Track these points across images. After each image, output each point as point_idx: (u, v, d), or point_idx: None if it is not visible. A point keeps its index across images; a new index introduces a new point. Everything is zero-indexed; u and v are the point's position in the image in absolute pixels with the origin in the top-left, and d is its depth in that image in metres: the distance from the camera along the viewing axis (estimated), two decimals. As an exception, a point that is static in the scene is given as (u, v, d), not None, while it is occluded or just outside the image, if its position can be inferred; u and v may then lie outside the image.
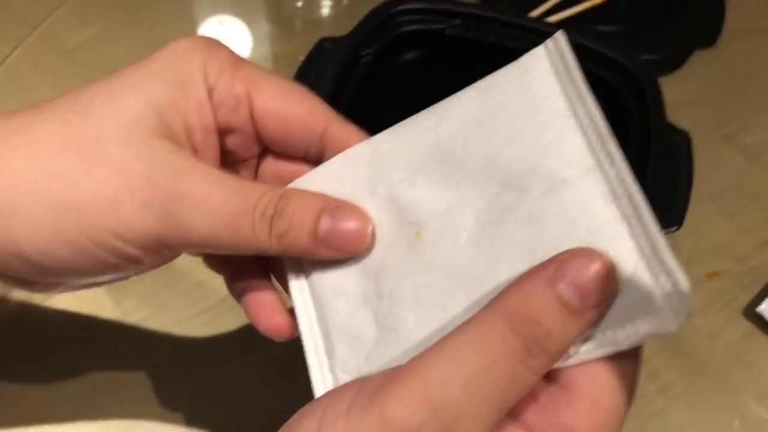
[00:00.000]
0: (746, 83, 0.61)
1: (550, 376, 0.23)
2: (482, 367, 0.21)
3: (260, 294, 0.30)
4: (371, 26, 0.44)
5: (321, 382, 0.27)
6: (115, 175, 0.25)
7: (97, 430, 0.43)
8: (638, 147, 0.43)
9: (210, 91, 0.28)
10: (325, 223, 0.26)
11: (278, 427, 0.23)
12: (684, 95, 0.59)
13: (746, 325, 0.48)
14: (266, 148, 0.31)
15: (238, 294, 0.31)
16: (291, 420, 0.23)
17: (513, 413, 0.23)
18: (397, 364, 0.23)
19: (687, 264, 0.53)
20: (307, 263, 0.29)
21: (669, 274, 0.22)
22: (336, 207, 0.27)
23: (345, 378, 0.26)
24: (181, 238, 0.25)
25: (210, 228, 0.25)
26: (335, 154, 0.29)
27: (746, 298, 0.50)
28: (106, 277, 0.28)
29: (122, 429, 0.43)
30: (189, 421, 0.43)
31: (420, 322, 0.26)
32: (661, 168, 0.40)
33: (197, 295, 0.48)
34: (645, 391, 0.45)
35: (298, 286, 0.29)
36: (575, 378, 0.23)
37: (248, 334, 0.46)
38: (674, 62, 0.60)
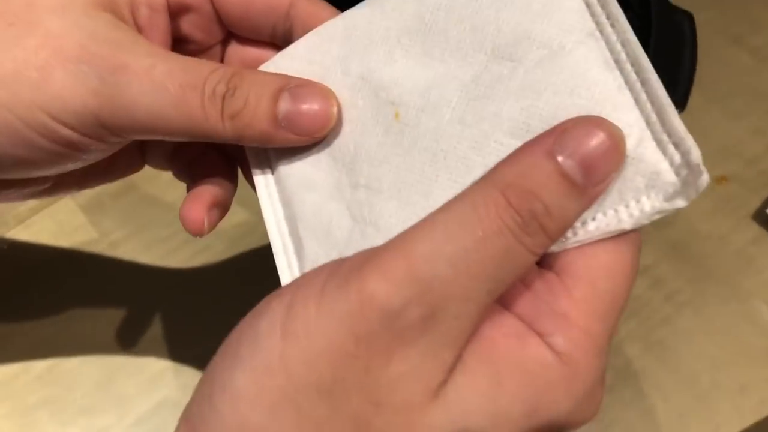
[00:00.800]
0: (755, -17, 0.58)
1: (545, 264, 0.21)
2: (474, 243, 0.18)
3: (206, 187, 0.27)
4: None
5: None
6: (46, 42, 0.22)
7: (76, 350, 0.41)
8: (638, 30, 0.40)
9: None
10: (284, 104, 0.23)
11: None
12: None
13: (756, 229, 0.46)
14: (230, 33, 0.28)
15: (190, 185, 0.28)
16: (257, 307, 0.20)
17: (504, 302, 0.20)
18: None
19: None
20: (273, 155, 0.26)
21: (678, 143, 0.21)
22: (296, 85, 0.24)
23: None
24: (121, 117, 0.22)
25: (153, 103, 0.22)
26: (304, 33, 0.26)
27: (756, 202, 0.47)
28: (50, 170, 0.25)
29: (101, 350, 0.41)
30: (172, 340, 0.42)
31: (400, 212, 0.23)
32: (662, 48, 0.38)
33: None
34: (650, 298, 0.43)
35: (263, 181, 0.26)
36: (572, 263, 0.21)
37: (230, 252, 0.44)
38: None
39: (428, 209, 0.20)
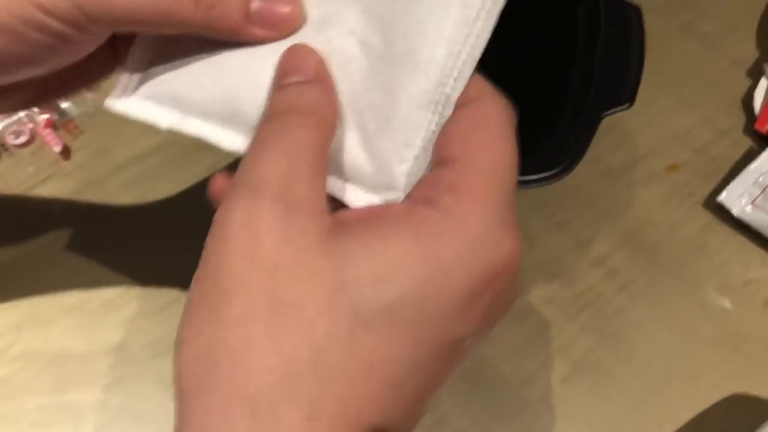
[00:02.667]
0: (703, -31, 0.58)
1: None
2: None
3: None
4: None
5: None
6: None
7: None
8: (588, 26, 0.40)
9: None
10: (257, 1, 0.25)
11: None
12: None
13: (707, 216, 0.47)
14: None
15: None
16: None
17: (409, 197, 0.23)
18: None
19: (645, 158, 0.51)
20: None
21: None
22: None
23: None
24: (102, 5, 0.24)
25: None
26: None
27: (707, 189, 0.48)
28: (45, 66, 0.27)
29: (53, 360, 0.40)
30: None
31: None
32: (611, 44, 0.38)
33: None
34: (604, 289, 0.44)
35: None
36: (450, 151, 0.23)
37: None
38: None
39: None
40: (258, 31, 0.25)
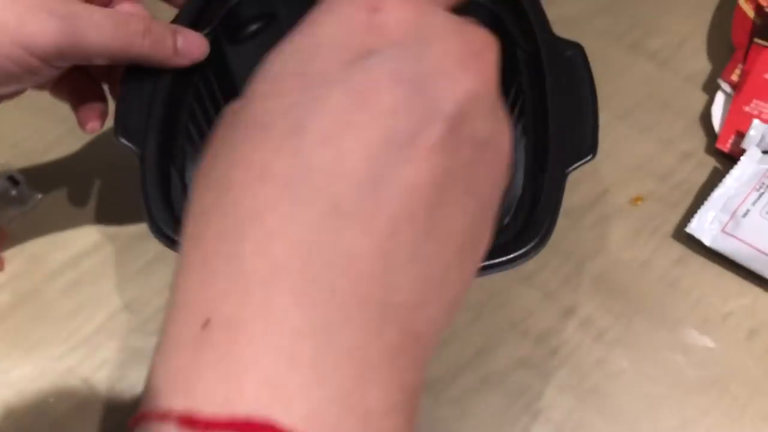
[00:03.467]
0: (645, -18, 0.56)
1: None
2: None
3: (91, 104, 0.38)
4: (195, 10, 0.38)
5: None
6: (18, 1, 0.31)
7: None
8: (529, 71, 0.38)
9: None
10: (180, 40, 0.35)
11: None
12: (580, 8, 0.54)
13: (678, 249, 0.45)
14: None
15: (76, 108, 0.38)
16: None
17: None
18: None
19: (608, 192, 0.48)
20: None
21: None
22: (182, 29, 0.36)
23: None
24: (77, 48, 0.32)
25: (99, 35, 0.32)
26: None
27: (675, 219, 0.46)
28: (7, 89, 0.34)
29: None
30: None
31: None
32: (560, 94, 0.35)
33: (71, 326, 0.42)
34: (580, 342, 0.41)
35: None
36: None
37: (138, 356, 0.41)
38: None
39: None
40: (181, 61, 0.35)
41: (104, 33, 0.32)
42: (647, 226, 0.45)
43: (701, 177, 0.47)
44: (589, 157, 0.35)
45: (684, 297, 0.43)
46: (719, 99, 0.49)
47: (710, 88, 0.50)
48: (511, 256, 0.32)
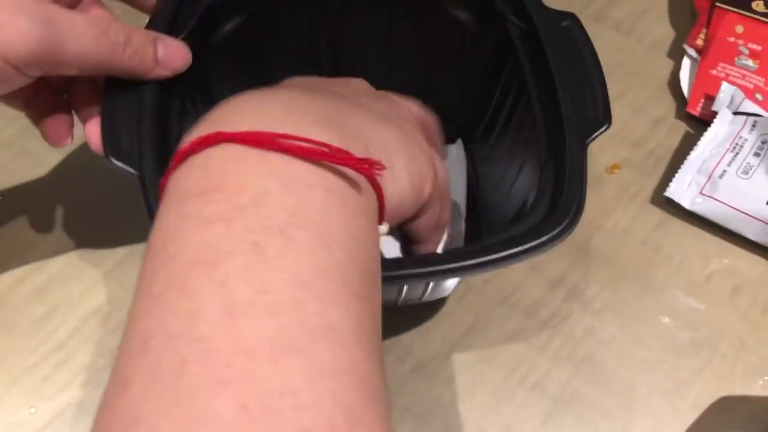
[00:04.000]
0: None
1: None
2: None
3: (57, 116, 0.35)
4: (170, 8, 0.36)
5: None
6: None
7: None
8: (525, 47, 0.36)
9: None
10: (161, 49, 0.33)
11: None
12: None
13: (658, 213, 0.45)
14: None
15: (37, 120, 0.35)
16: None
17: None
18: None
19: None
20: None
21: None
22: (163, 38, 0.33)
23: None
24: (56, 56, 0.29)
25: (79, 46, 0.29)
26: None
27: (652, 185, 0.46)
28: None
29: None
30: None
31: None
32: (564, 66, 0.34)
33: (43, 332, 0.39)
34: (569, 311, 0.41)
35: None
36: None
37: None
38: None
39: None
40: (163, 71, 0.33)
41: (85, 43, 0.29)
42: (626, 193, 0.46)
43: (674, 142, 0.47)
44: (605, 127, 0.33)
45: (667, 261, 0.43)
46: (686, 64, 0.50)
47: (676, 54, 0.51)
48: (550, 234, 0.30)
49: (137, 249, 0.42)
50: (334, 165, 0.22)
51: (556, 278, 0.42)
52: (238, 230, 0.19)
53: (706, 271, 0.43)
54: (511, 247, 0.30)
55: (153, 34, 0.33)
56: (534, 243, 0.30)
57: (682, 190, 0.44)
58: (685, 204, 0.44)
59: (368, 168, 0.23)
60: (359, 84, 0.33)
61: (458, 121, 0.44)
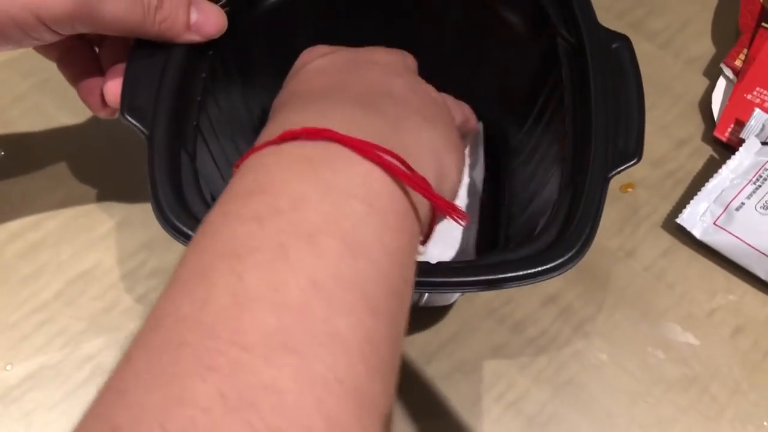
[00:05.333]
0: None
1: None
2: None
3: (92, 80, 0.35)
4: None
5: None
6: None
7: None
8: (570, 63, 0.34)
9: None
10: (194, 15, 0.33)
11: None
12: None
13: (667, 239, 0.43)
14: None
15: (74, 81, 0.36)
16: None
17: None
18: None
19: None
20: None
21: None
22: (200, 2, 0.33)
23: None
24: (91, 18, 0.30)
25: (114, 9, 0.30)
26: None
27: (666, 208, 0.44)
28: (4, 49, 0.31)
29: None
30: None
31: None
32: (604, 91, 0.32)
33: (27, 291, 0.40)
34: (559, 331, 0.40)
35: None
36: None
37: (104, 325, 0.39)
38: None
39: None
40: (196, 37, 0.33)
41: (119, 6, 0.30)
42: (636, 214, 0.44)
43: (696, 166, 0.45)
44: (634, 161, 0.32)
45: (669, 290, 0.41)
46: (720, 85, 0.47)
47: (712, 73, 0.48)
48: (547, 266, 0.29)
49: (131, 217, 0.42)
50: (393, 184, 0.22)
51: (550, 295, 0.41)
52: (268, 230, 0.20)
53: (709, 305, 0.41)
54: (502, 272, 0.29)
55: None
56: (526, 272, 0.29)
57: (696, 218, 0.42)
58: (697, 233, 0.42)
59: (451, 212, 0.24)
60: (392, 62, 0.30)
61: (491, 129, 0.43)
